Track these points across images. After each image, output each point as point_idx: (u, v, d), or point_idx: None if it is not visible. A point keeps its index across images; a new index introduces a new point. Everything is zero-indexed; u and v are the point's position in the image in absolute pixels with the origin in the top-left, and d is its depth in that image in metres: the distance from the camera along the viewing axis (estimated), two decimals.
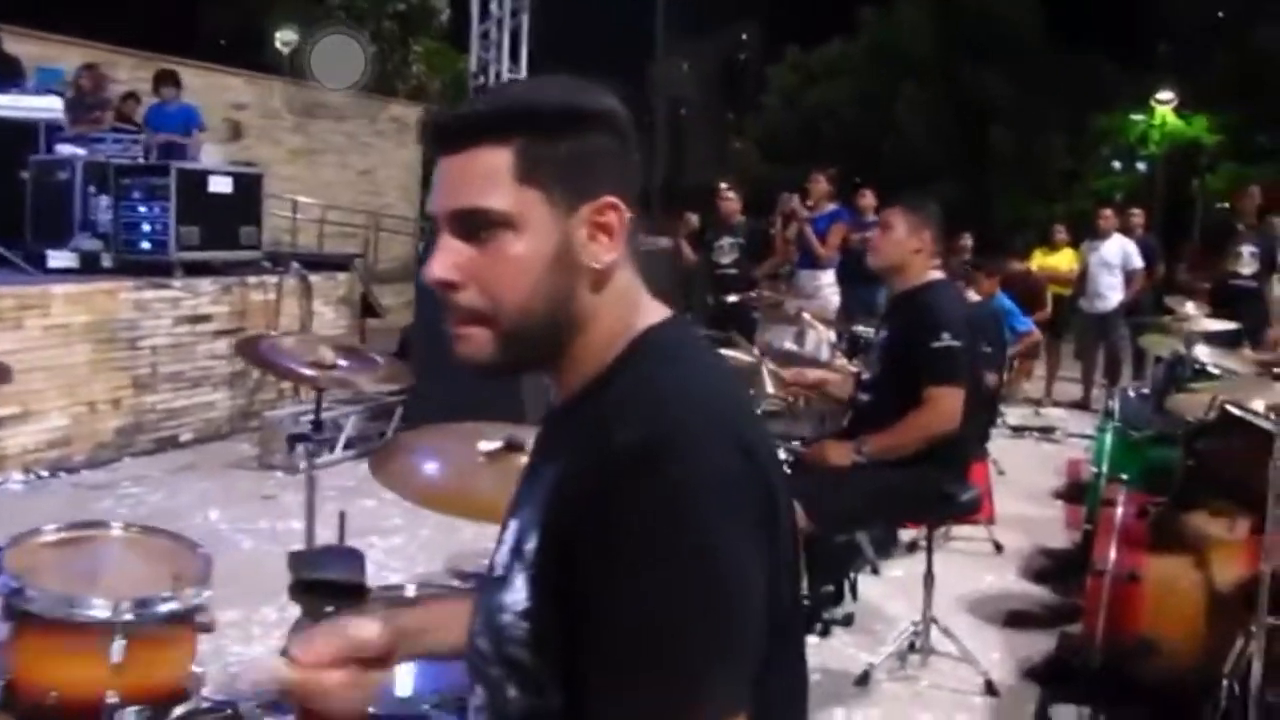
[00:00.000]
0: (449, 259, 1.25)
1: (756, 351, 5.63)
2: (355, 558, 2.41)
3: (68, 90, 9.60)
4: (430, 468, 2.32)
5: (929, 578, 4.47)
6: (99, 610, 1.87)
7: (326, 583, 2.28)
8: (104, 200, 8.28)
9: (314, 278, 9.19)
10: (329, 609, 2.20)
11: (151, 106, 10.30)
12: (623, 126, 1.30)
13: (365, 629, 1.48)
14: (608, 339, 1.29)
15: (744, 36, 47.85)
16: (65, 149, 8.79)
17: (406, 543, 5.75)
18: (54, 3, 14.63)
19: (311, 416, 3.13)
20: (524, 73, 9.11)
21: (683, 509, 1.12)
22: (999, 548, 6.18)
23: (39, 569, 1.97)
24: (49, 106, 8.23)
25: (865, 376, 4.45)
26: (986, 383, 6.25)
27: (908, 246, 4.21)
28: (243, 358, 2.75)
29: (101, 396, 7.36)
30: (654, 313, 1.32)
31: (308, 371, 2.71)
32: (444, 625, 1.51)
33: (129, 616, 1.86)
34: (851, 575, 5.25)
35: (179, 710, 1.93)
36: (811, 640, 4.56)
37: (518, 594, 1.23)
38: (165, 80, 10.10)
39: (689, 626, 1.10)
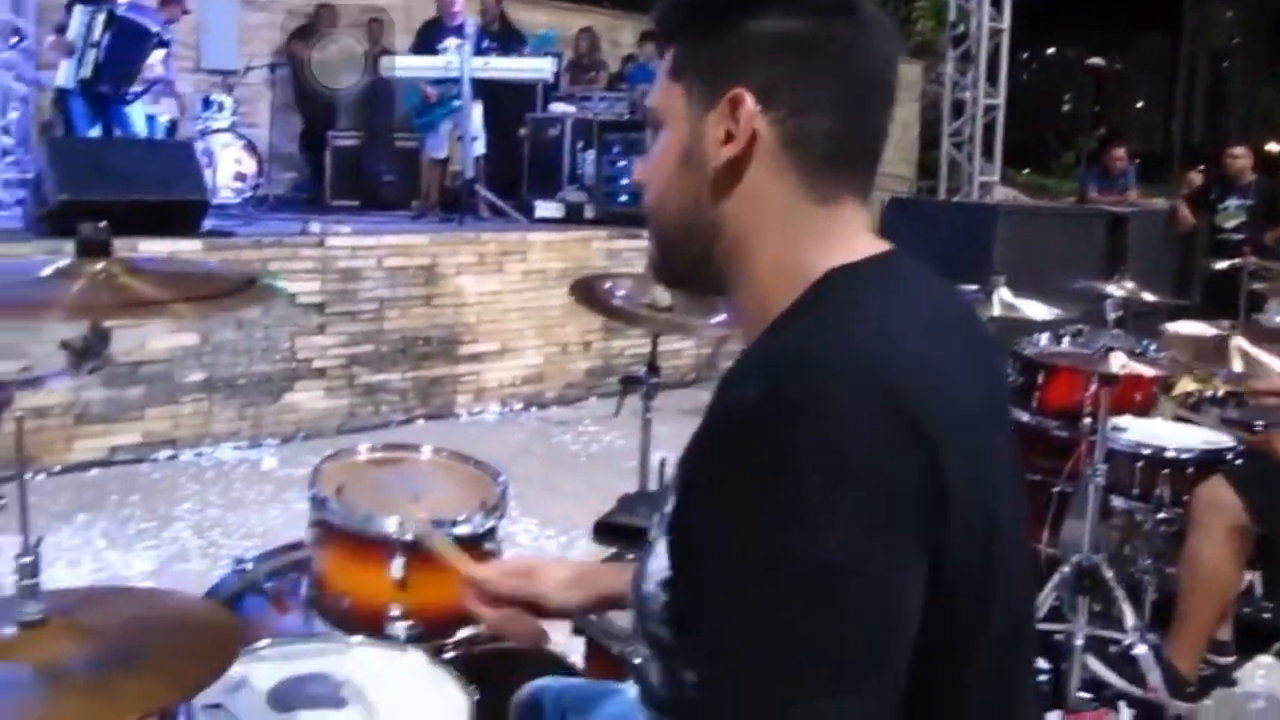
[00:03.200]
0: (644, 161, 1.22)
1: (1228, 325, 5.01)
2: None
3: (566, 52, 10.31)
4: None
5: None
6: (386, 528, 1.96)
7: (631, 527, 2.27)
8: (589, 154, 8.82)
9: None
10: (629, 556, 2.20)
11: (635, 65, 10.79)
12: (821, 7, 1.10)
13: (547, 584, 1.51)
14: (774, 274, 1.12)
15: None
16: (558, 107, 9.46)
17: None
18: None
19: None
20: (1006, 22, 8.67)
21: (788, 490, 0.93)
22: None
23: (353, 483, 2.11)
24: (544, 68, 8.87)
25: None
26: None
27: None
28: (576, 299, 2.80)
29: (573, 339, 7.84)
30: (849, 250, 1.11)
31: (641, 313, 2.72)
32: None
33: (410, 537, 1.94)
34: None
35: (461, 633, 2.00)
36: (1265, 661, 3.97)
37: (659, 561, 1.11)
38: (647, 39, 10.50)
39: (767, 633, 0.94)
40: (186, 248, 5.97)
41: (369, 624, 1.93)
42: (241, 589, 2.33)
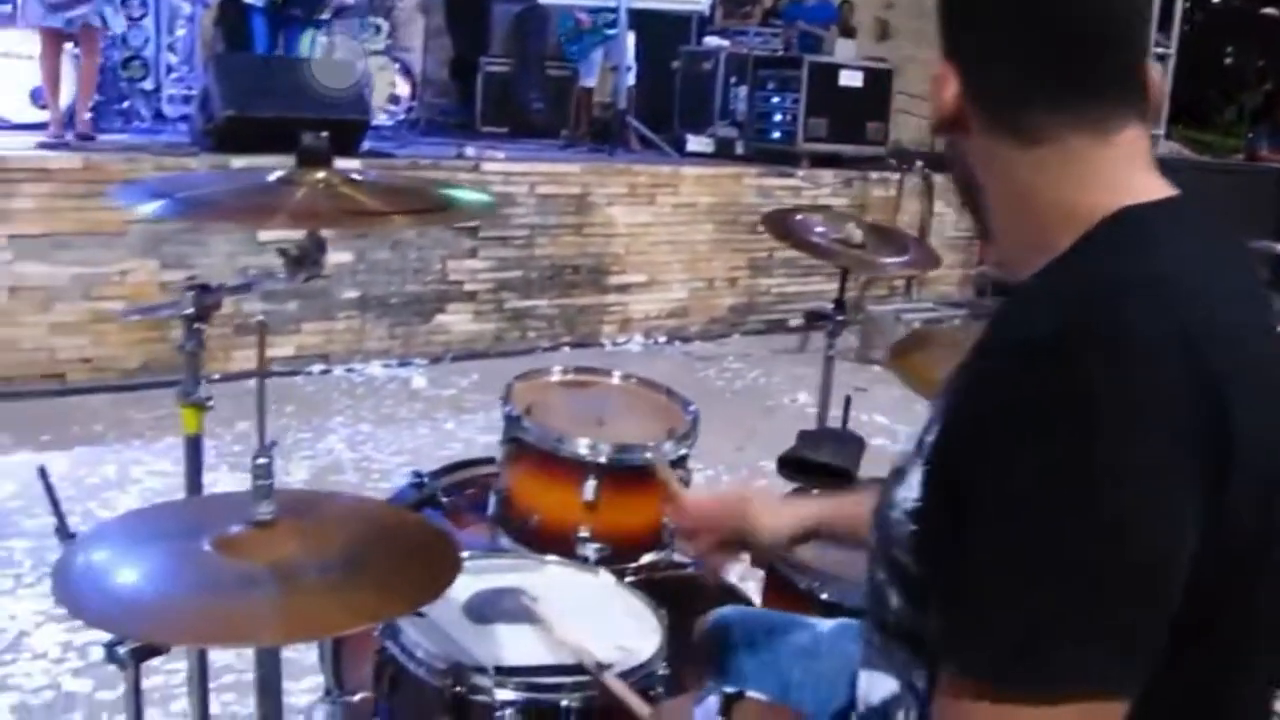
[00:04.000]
0: None
1: None
2: (856, 444, 2.37)
3: None
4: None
5: None
6: (579, 449, 1.98)
7: (816, 463, 2.26)
8: (742, 90, 8.74)
9: (938, 178, 8.84)
10: (814, 491, 2.19)
11: (790, 1, 10.60)
12: None
13: (764, 520, 1.53)
14: (1039, 217, 1.09)
15: None
16: (712, 41, 9.37)
17: None
18: None
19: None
20: None
21: (1079, 421, 0.91)
22: None
23: (544, 404, 2.13)
24: (699, 1, 8.79)
25: None
26: None
27: None
28: (768, 230, 2.78)
29: (720, 274, 7.82)
30: (1139, 189, 1.07)
31: (834, 249, 2.68)
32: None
33: (603, 460, 1.96)
34: None
35: (646, 558, 2.01)
36: None
37: (910, 490, 1.10)
38: None
39: (1033, 570, 0.92)
40: (347, 168, 6.06)
41: (556, 543, 1.95)
42: (420, 502, 2.37)
